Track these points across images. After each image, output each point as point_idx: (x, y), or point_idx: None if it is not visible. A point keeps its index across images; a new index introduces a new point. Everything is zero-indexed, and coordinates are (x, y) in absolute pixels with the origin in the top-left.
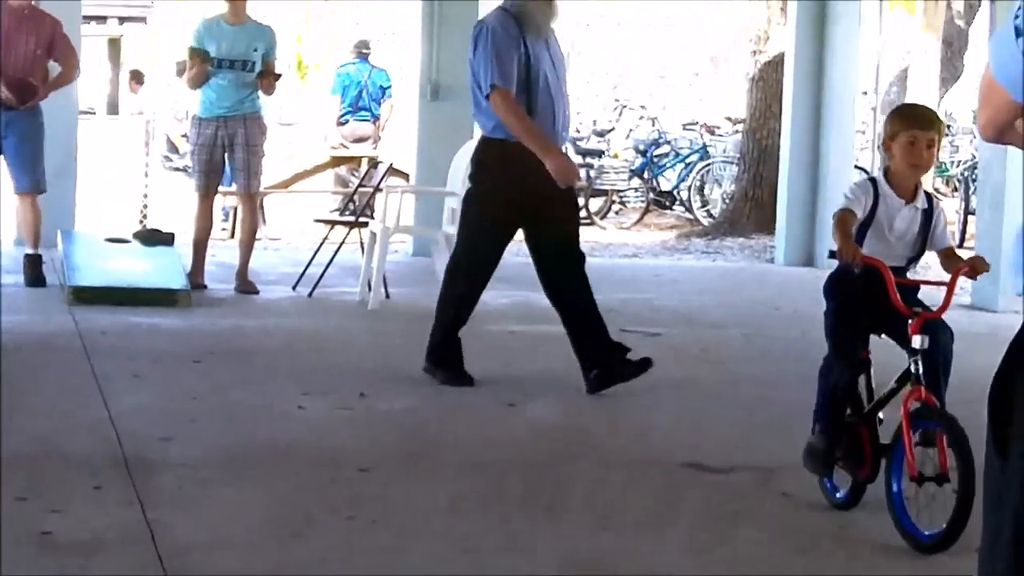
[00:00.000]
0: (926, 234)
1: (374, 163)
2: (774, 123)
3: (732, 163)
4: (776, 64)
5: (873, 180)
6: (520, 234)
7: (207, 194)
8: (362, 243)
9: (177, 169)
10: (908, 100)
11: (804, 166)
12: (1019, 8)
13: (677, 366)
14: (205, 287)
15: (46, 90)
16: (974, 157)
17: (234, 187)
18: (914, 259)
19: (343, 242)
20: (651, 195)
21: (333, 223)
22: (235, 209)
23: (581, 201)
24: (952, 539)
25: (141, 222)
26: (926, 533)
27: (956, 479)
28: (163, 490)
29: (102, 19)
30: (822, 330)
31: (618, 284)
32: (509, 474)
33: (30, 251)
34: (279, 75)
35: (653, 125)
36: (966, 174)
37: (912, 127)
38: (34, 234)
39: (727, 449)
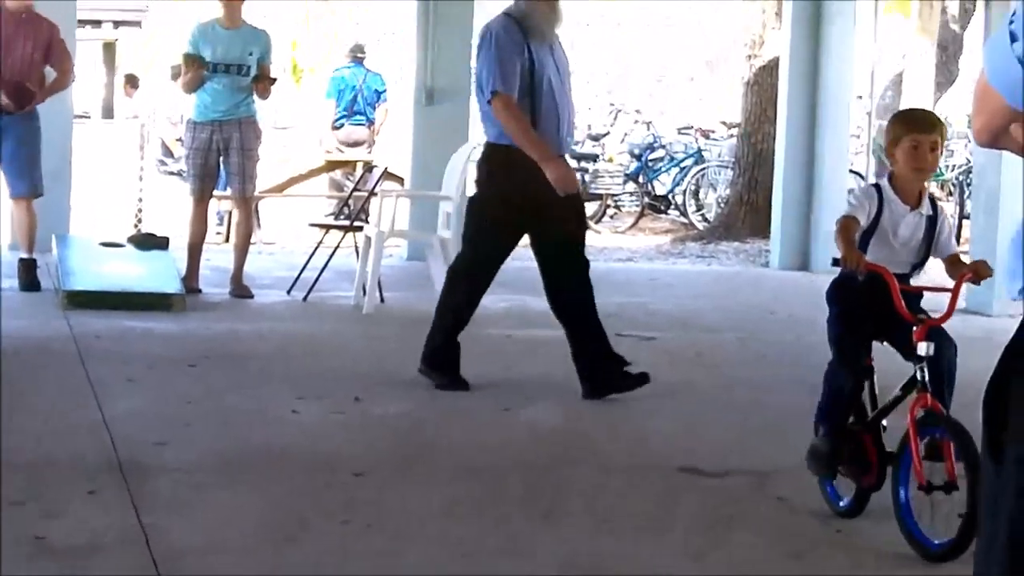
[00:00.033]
0: (931, 241)
1: (369, 167)
2: (769, 127)
3: (727, 167)
4: (771, 68)
5: (877, 186)
6: (525, 239)
7: (202, 198)
8: (357, 247)
9: (172, 173)
10: (903, 104)
11: (799, 170)
12: (1014, 13)
13: (672, 370)
14: (200, 291)
15: (42, 95)
16: (968, 162)
17: (229, 191)
18: (918, 266)
19: (338, 246)
20: (646, 199)
21: (328, 227)
22: (230, 213)
23: None
24: (962, 548)
25: (136, 226)
26: (936, 542)
27: (965, 487)
28: (158, 494)
29: (97, 23)
30: (817, 334)
31: (613, 288)
32: (505, 478)
33: (25, 255)
34: (274, 79)
35: (648, 129)
36: (961, 179)
37: (914, 131)
38: (29, 238)
39: (722, 453)
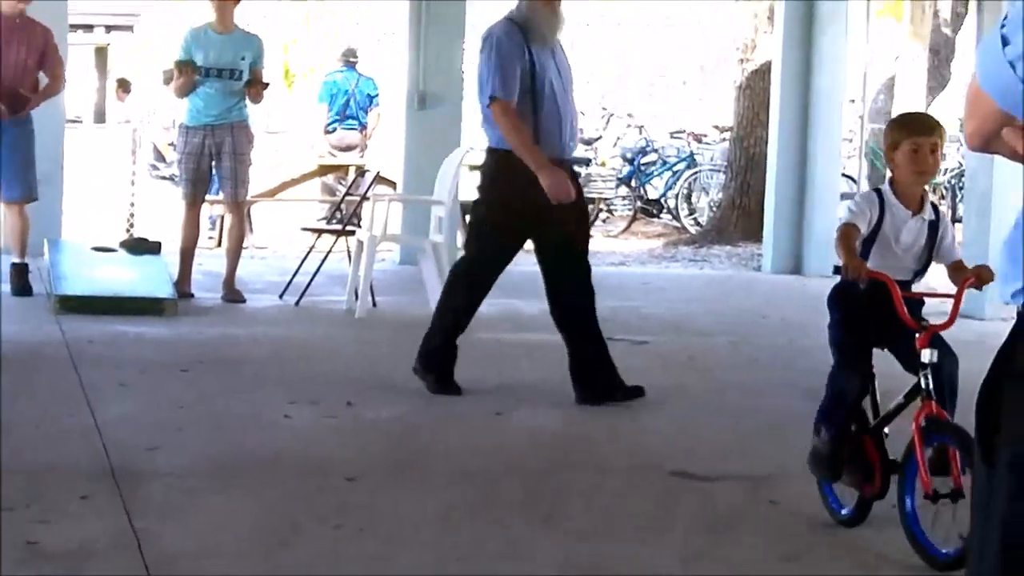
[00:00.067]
0: (932, 246)
1: (361, 171)
2: (761, 131)
3: (719, 171)
4: (763, 72)
5: (879, 191)
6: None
7: (194, 203)
8: (349, 252)
9: (164, 178)
10: (896, 108)
11: (791, 174)
12: (1006, 17)
13: (665, 374)
14: (192, 296)
15: (35, 101)
16: (961, 165)
17: (221, 196)
18: (920, 272)
19: (330, 251)
20: (638, 203)
21: (320, 232)
22: (222, 218)
23: None
24: None
25: (128, 231)
26: (943, 551)
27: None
28: (150, 499)
29: (89, 28)
30: (810, 338)
31: (606, 292)
32: (498, 482)
33: (16, 260)
34: (267, 84)
35: (640, 133)
36: (953, 182)
37: (913, 134)
38: (21, 243)
39: (716, 457)
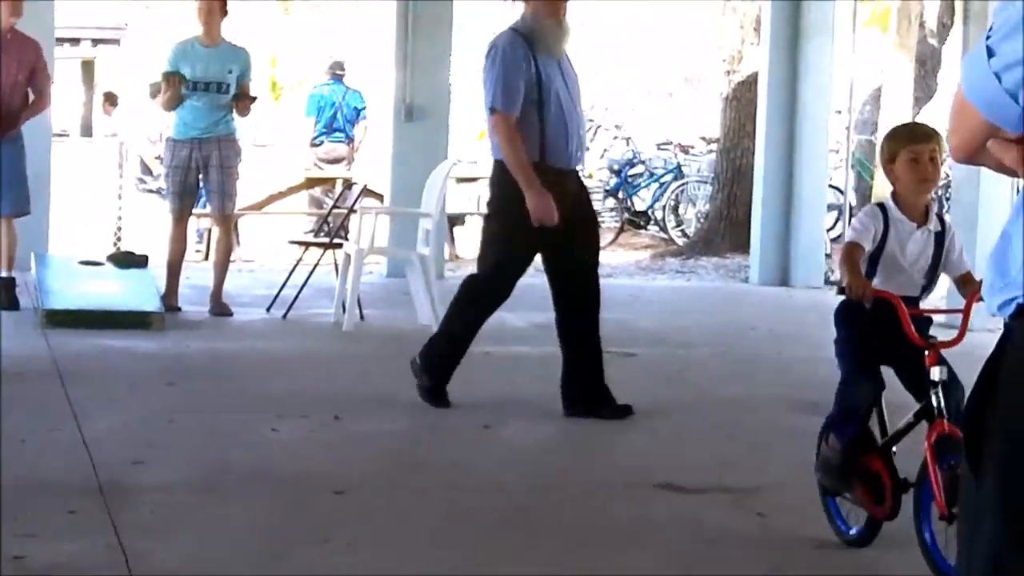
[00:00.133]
0: (939, 258)
1: (348, 184)
2: (748, 142)
3: (706, 183)
4: (749, 83)
5: (882, 205)
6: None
7: (181, 216)
8: (336, 264)
9: (151, 191)
10: (882, 119)
11: (778, 185)
12: (991, 28)
13: (653, 387)
14: (179, 309)
15: (23, 117)
16: (947, 176)
17: (208, 209)
18: (928, 287)
19: (317, 263)
20: (625, 215)
21: (307, 244)
22: (209, 231)
23: None
24: None
25: (115, 244)
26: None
27: None
28: (138, 514)
29: (75, 41)
30: (797, 350)
31: None
32: (485, 496)
33: (4, 274)
34: (254, 97)
35: (627, 145)
36: (939, 193)
37: (910, 143)
38: (9, 257)
39: (702, 470)
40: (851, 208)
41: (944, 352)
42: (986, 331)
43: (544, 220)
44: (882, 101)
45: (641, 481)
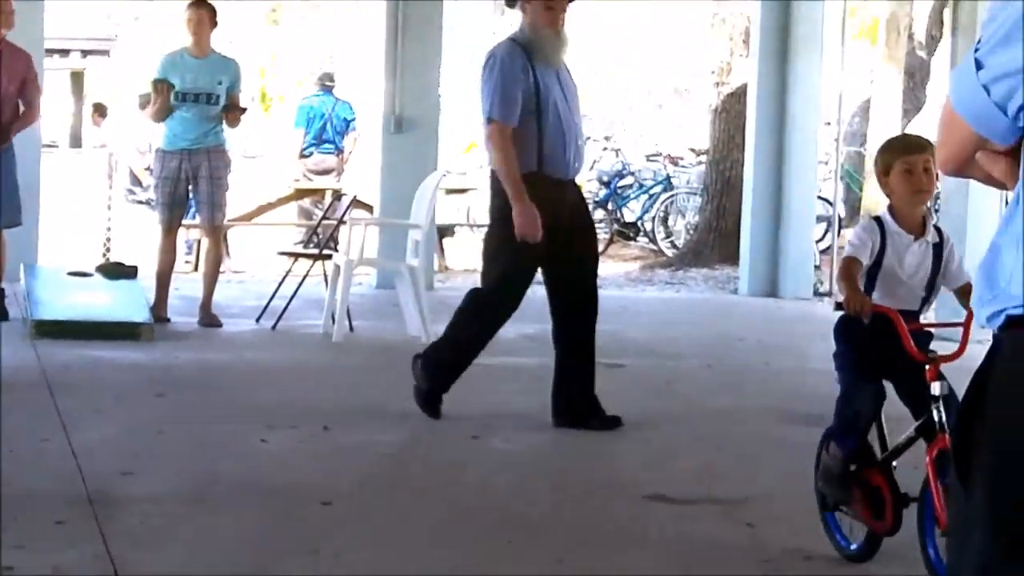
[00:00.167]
0: (938, 270)
1: (338, 195)
2: (737, 154)
3: (696, 194)
4: (739, 95)
5: (878, 219)
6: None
7: (170, 227)
8: (326, 276)
9: (140, 202)
10: (871, 130)
11: (767, 197)
12: (979, 40)
13: (641, 397)
14: (168, 320)
15: (14, 130)
16: (936, 188)
17: (198, 220)
18: (927, 299)
19: (307, 275)
20: (615, 226)
21: (297, 256)
22: (199, 242)
23: None
24: None
25: (104, 255)
26: None
27: None
28: (126, 524)
29: (65, 52)
30: (786, 361)
31: None
32: (473, 506)
33: None
34: (244, 108)
35: (617, 156)
36: (928, 205)
37: (904, 154)
38: None
39: (691, 481)
40: (840, 220)
41: (941, 367)
42: (975, 343)
43: (527, 236)
44: (871, 113)
45: (630, 492)
